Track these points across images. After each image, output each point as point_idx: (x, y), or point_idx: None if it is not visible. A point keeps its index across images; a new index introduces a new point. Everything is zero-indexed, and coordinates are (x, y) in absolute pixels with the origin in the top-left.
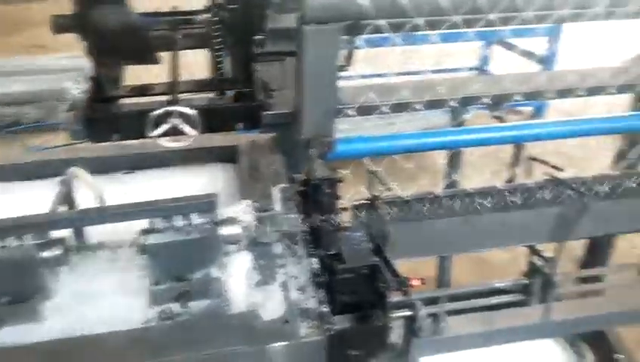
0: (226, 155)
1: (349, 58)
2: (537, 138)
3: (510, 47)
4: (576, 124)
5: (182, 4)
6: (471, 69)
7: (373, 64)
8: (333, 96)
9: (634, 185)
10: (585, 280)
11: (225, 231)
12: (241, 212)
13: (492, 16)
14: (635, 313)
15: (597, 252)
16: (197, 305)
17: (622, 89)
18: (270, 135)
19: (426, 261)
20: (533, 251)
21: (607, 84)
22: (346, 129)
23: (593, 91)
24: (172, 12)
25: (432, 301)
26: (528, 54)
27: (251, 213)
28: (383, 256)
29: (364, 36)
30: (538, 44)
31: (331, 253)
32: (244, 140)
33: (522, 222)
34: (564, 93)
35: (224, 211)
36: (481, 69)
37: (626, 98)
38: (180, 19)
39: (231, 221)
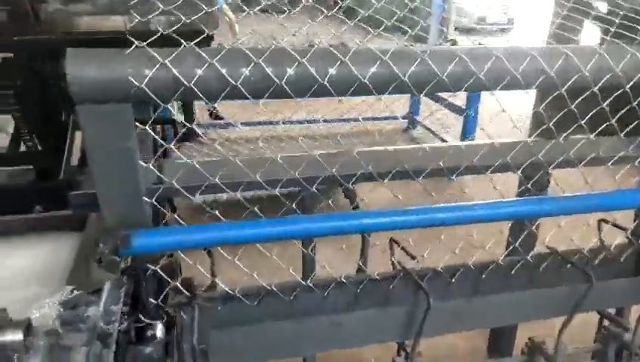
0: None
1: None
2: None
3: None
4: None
5: None
6: (403, 117)
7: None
8: (133, 181)
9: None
10: None
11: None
12: (48, 307)
13: None
14: None
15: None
16: None
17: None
18: None
19: None
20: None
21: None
22: None
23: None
24: None
25: None
26: (451, 106)
27: (57, 308)
28: None
29: None
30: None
31: None
32: None
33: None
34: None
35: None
36: (411, 118)
37: None
38: None
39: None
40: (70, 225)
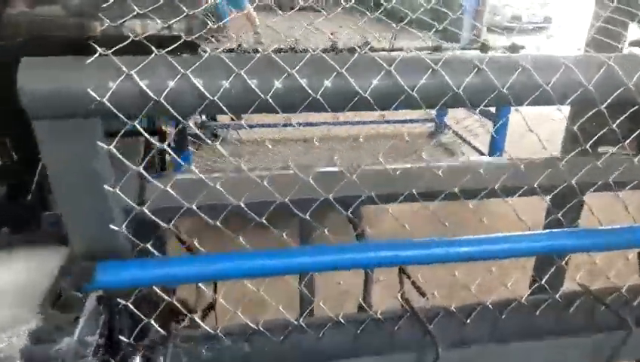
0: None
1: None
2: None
3: None
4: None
5: None
6: (429, 120)
7: None
8: (102, 205)
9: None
10: None
11: None
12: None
13: None
14: None
15: None
16: None
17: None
18: None
19: None
20: None
21: None
22: None
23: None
24: None
25: None
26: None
27: (25, 339)
28: None
29: None
30: None
31: None
32: None
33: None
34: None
35: None
36: (438, 120)
37: None
38: None
39: None
40: (56, 239)
